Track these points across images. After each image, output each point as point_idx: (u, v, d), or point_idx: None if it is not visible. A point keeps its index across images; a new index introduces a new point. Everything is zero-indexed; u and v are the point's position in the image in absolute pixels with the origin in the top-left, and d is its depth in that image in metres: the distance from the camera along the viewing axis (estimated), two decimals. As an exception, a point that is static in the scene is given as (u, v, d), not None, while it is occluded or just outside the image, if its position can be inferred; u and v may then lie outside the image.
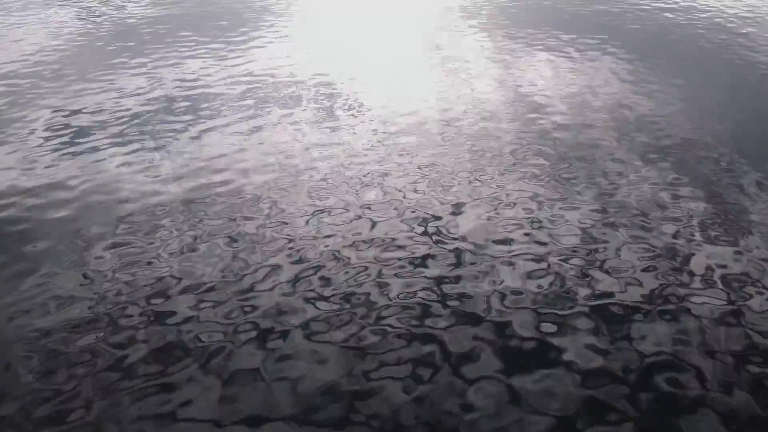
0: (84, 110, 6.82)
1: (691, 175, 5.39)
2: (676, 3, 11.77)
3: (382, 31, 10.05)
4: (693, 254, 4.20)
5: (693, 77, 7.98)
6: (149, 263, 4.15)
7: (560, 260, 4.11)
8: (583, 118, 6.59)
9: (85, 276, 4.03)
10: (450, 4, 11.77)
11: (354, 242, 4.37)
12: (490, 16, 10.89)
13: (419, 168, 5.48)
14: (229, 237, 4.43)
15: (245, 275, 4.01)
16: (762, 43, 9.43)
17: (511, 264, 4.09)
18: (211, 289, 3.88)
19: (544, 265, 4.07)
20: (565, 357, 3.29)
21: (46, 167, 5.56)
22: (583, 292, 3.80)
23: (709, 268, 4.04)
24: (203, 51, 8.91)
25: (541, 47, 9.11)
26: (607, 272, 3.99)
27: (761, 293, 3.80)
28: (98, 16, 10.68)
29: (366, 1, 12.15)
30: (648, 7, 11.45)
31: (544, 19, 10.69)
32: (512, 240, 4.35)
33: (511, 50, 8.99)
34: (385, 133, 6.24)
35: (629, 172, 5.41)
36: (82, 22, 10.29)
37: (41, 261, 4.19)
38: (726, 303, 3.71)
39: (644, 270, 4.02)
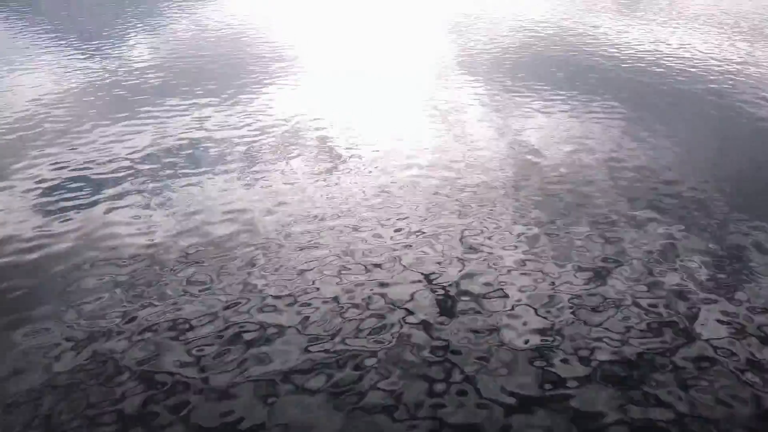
0: (82, 162, 6.87)
1: (689, 226, 5.43)
2: (666, 55, 12.07)
3: (379, 83, 10.23)
4: (696, 311, 4.20)
5: (685, 128, 8.13)
6: (144, 319, 4.12)
7: (559, 320, 4.10)
8: (579, 172, 6.67)
9: (72, 329, 3.99)
10: (446, 56, 12.04)
11: (350, 293, 4.36)
12: (485, 69, 11.12)
13: (415, 220, 5.51)
14: (224, 294, 4.40)
15: (241, 332, 3.98)
16: (752, 93, 9.63)
17: (513, 317, 4.08)
18: (207, 344, 3.84)
19: (547, 323, 4.06)
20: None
21: (41, 219, 5.58)
22: (583, 353, 3.78)
23: (714, 322, 4.03)
24: (203, 102, 9.04)
25: (535, 100, 9.28)
26: (604, 334, 3.97)
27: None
28: (100, 68, 10.86)
29: (366, 53, 12.41)
30: (638, 60, 11.73)
31: (538, 72, 10.93)
32: (509, 296, 4.35)
33: (505, 102, 9.15)
34: (381, 186, 6.29)
35: (627, 226, 5.45)
36: (83, 74, 10.46)
37: (30, 316, 4.15)
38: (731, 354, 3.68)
39: (646, 328, 4.01)
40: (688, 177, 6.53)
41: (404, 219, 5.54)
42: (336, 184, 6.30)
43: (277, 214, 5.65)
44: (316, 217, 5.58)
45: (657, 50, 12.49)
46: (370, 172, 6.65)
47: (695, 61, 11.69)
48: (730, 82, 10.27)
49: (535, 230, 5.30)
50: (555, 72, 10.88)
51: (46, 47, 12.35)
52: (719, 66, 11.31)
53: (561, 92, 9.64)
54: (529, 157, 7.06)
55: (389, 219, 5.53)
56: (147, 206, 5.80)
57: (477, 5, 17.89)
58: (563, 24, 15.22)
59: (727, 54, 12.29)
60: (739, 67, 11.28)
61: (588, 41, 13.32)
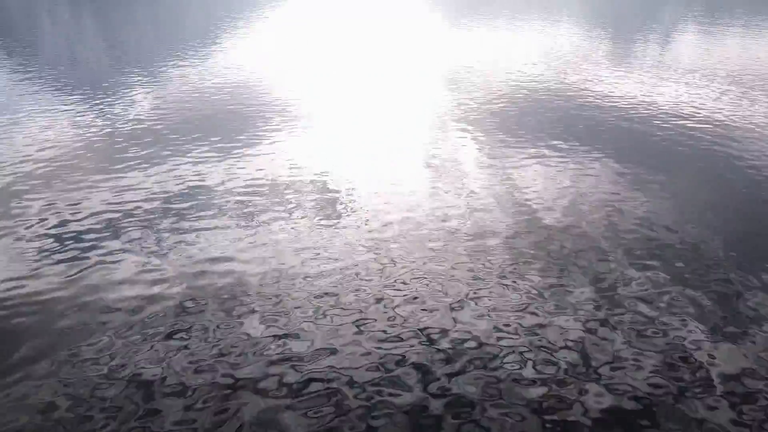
0: (81, 211, 6.92)
1: (685, 277, 5.45)
2: (659, 107, 12.32)
3: (378, 133, 10.39)
4: (696, 358, 4.18)
5: (679, 179, 8.24)
6: (136, 374, 4.08)
7: (561, 370, 4.08)
8: (576, 222, 6.73)
9: (65, 385, 3.95)
10: (442, 107, 12.27)
11: (348, 351, 4.34)
12: (480, 120, 11.33)
13: (413, 272, 5.52)
14: (218, 349, 4.37)
15: (236, 384, 3.94)
16: (744, 144, 9.81)
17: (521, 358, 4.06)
18: (199, 399, 3.80)
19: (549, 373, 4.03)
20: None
21: (39, 268, 5.58)
22: (584, 403, 3.74)
23: (713, 370, 4.01)
24: (202, 153, 9.14)
25: (530, 151, 9.42)
26: (606, 383, 3.95)
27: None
28: (100, 118, 11.03)
29: (364, 104, 12.64)
30: (631, 111, 11.97)
31: (532, 123, 11.13)
32: (510, 348, 4.33)
33: (500, 153, 9.29)
34: (378, 236, 6.34)
35: (624, 275, 5.47)
36: (84, 124, 10.61)
37: (21, 368, 4.11)
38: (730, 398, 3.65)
39: (649, 376, 3.98)
40: (683, 227, 6.58)
41: (401, 268, 5.56)
42: (334, 236, 6.33)
43: (275, 264, 5.66)
44: (313, 267, 5.60)
45: (650, 102, 12.76)
46: (368, 221, 6.71)
47: (688, 112, 11.93)
48: (723, 133, 10.46)
49: (531, 281, 5.31)
50: (550, 123, 11.09)
51: (47, 96, 12.56)
52: (711, 117, 11.54)
53: (556, 143, 9.81)
54: (525, 207, 7.13)
55: (385, 268, 5.55)
56: (145, 256, 5.82)
57: (471, 58, 18.32)
58: (557, 76, 15.58)
59: (719, 105, 12.55)
60: (730, 118, 11.51)
61: (581, 93, 13.61)
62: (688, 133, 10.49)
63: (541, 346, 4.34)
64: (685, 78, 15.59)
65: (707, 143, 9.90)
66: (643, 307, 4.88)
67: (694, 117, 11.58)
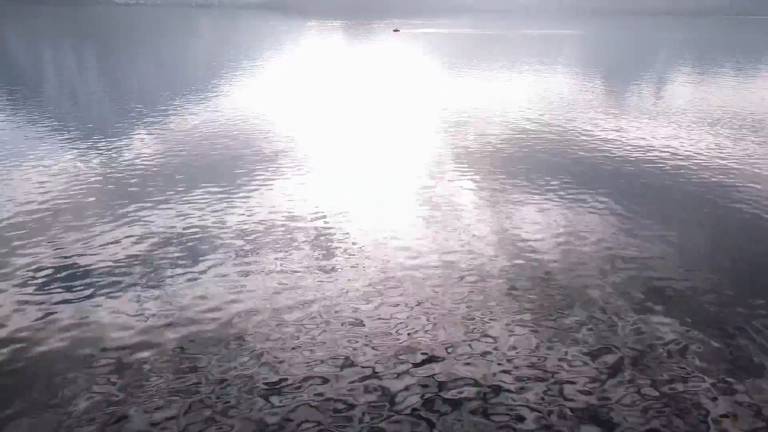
0: (79, 255, 6.88)
1: (687, 317, 5.41)
2: (656, 149, 12.46)
3: (377, 175, 10.45)
4: (699, 399, 4.12)
5: (676, 221, 8.27)
6: (126, 417, 4.01)
7: (566, 414, 4.01)
8: (574, 265, 6.71)
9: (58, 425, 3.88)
10: (441, 150, 12.39)
11: (347, 390, 4.28)
12: (478, 163, 11.42)
13: (411, 314, 5.48)
14: (210, 400, 4.31)
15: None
16: (739, 186, 9.88)
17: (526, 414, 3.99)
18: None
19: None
20: None
21: (36, 312, 5.52)
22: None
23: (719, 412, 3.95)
24: (203, 196, 9.15)
25: (529, 193, 9.47)
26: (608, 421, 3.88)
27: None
28: (101, 161, 11.11)
29: (364, 147, 12.77)
30: (628, 154, 12.10)
31: (530, 166, 11.23)
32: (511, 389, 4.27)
33: (499, 195, 9.33)
34: (377, 277, 6.31)
35: (624, 317, 5.43)
36: (85, 166, 10.67)
37: (15, 417, 4.04)
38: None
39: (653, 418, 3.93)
40: (681, 268, 6.57)
41: (398, 311, 5.52)
42: (331, 279, 6.30)
43: (271, 307, 5.62)
44: (311, 309, 5.56)
45: (645, 145, 12.90)
46: (366, 260, 6.70)
47: (683, 155, 12.05)
48: (717, 175, 10.55)
49: (530, 323, 5.26)
50: (547, 166, 11.18)
51: (49, 139, 12.65)
52: (706, 159, 11.66)
53: (553, 185, 9.86)
54: (523, 250, 7.12)
55: (382, 311, 5.51)
56: (141, 301, 5.77)
57: (470, 102, 18.61)
58: (553, 120, 15.79)
59: (712, 148, 12.69)
60: (725, 160, 11.63)
61: (577, 136, 13.78)
62: (683, 176, 10.57)
63: (541, 393, 4.28)
64: (679, 122, 15.80)
65: (702, 185, 9.98)
66: (643, 350, 4.83)
67: (689, 159, 11.69)
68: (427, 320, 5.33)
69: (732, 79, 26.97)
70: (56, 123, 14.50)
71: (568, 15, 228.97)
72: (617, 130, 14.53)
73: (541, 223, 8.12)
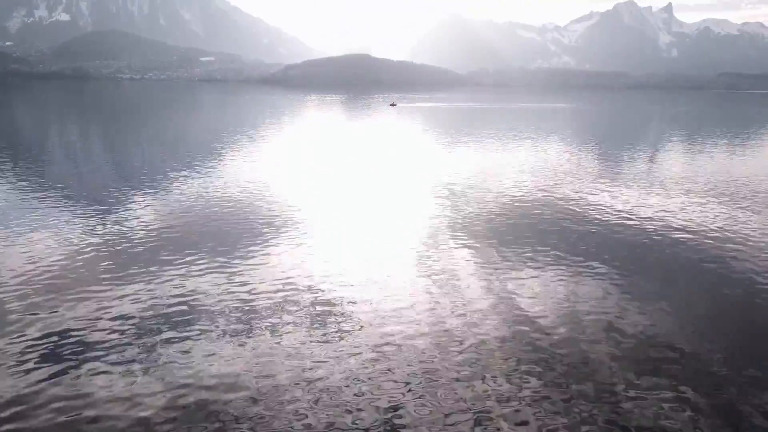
0: (72, 327, 6.81)
1: (690, 391, 5.33)
2: (649, 219, 12.57)
3: (375, 243, 10.49)
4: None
5: (674, 291, 8.23)
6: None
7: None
8: (574, 335, 6.64)
9: None
10: (438, 219, 12.49)
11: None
12: (476, 232, 11.48)
13: (409, 385, 5.39)
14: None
15: None
16: (736, 255, 9.90)
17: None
18: None
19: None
20: None
21: (26, 387, 5.43)
22: None
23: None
24: (200, 267, 9.11)
25: (526, 262, 9.47)
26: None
27: None
28: (101, 231, 11.15)
29: (362, 216, 12.87)
30: (624, 224, 12.19)
31: (528, 235, 11.29)
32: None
33: (497, 265, 9.32)
34: (374, 352, 6.23)
35: (628, 390, 5.35)
36: (84, 235, 10.71)
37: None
38: None
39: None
40: (684, 340, 6.50)
41: (395, 382, 5.43)
42: (327, 350, 6.23)
43: (267, 378, 5.54)
44: (307, 380, 5.47)
45: (642, 215, 13.01)
46: (363, 329, 6.64)
47: (679, 224, 12.14)
48: (714, 245, 10.59)
49: (533, 399, 5.17)
50: (544, 235, 11.23)
51: (51, 210, 12.73)
52: (701, 229, 11.73)
53: (551, 254, 9.88)
54: (523, 320, 7.06)
55: (380, 384, 5.42)
56: (132, 374, 5.68)
57: (465, 173, 18.88)
58: (550, 189, 15.99)
59: (707, 217, 12.81)
60: (720, 229, 11.70)
61: (575, 206, 13.91)
62: (680, 245, 10.62)
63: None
64: (674, 192, 16.00)
65: (699, 254, 10.01)
66: (646, 423, 4.73)
67: (686, 229, 11.78)
68: (422, 390, 5.23)
69: (724, 150, 27.55)
70: (58, 193, 14.65)
71: (561, 89, 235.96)
72: (612, 200, 14.70)
73: (539, 291, 8.09)
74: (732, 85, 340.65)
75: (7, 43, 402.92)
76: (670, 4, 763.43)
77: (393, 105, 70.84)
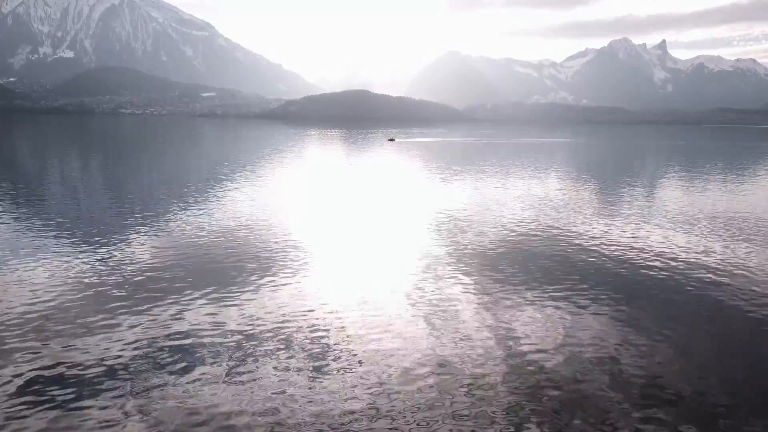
0: (67, 363, 6.76)
1: (693, 428, 5.22)
2: (648, 252, 12.54)
3: (372, 277, 10.45)
4: None
5: (675, 325, 8.16)
6: None
7: None
8: (573, 371, 6.56)
9: None
10: (435, 252, 12.46)
11: None
12: (473, 265, 11.45)
13: (406, 420, 5.30)
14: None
15: None
16: (736, 287, 9.86)
17: None
18: None
19: None
20: None
21: (21, 418, 5.34)
22: None
23: None
24: (197, 300, 9.09)
25: (525, 295, 9.42)
26: None
27: None
28: (98, 266, 11.11)
29: (361, 248, 12.85)
30: (623, 257, 12.17)
31: (526, 268, 11.25)
32: None
33: (494, 298, 9.28)
34: (370, 385, 6.16)
35: (626, 427, 5.25)
36: (82, 271, 10.67)
37: None
38: None
39: None
40: (684, 377, 6.42)
41: (393, 418, 5.33)
42: (324, 382, 6.16)
43: (267, 415, 5.45)
44: (308, 417, 5.38)
45: (641, 247, 13.00)
46: (360, 365, 6.56)
47: (679, 257, 12.11)
48: (714, 278, 10.54)
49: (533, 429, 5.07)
50: (543, 268, 11.19)
51: (49, 244, 12.72)
52: (701, 262, 11.70)
53: (550, 287, 9.83)
54: (521, 354, 6.98)
55: (377, 418, 5.32)
56: (128, 413, 5.59)
57: (464, 207, 18.94)
58: (548, 223, 16.01)
59: (708, 250, 12.79)
60: (720, 262, 11.67)
61: (573, 239, 13.90)
62: (679, 278, 10.57)
63: None
64: (673, 224, 16.03)
65: (700, 287, 9.96)
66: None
67: (686, 262, 11.74)
68: (422, 425, 5.13)
69: (720, 183, 27.67)
70: (57, 228, 14.64)
71: (559, 123, 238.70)
72: (611, 233, 14.70)
73: (538, 325, 8.03)
74: (727, 120, 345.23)
75: (11, 79, 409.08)
76: (663, 41, 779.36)
77: (391, 140, 71.33)
